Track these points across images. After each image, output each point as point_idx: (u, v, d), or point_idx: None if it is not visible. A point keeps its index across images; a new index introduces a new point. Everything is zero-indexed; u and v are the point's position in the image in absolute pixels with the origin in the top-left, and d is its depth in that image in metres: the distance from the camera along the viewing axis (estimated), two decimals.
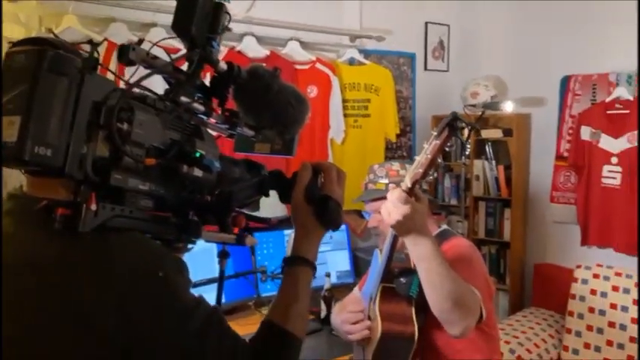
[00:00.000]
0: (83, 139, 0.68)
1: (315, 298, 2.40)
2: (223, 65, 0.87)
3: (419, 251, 1.38)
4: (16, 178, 0.81)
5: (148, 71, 0.78)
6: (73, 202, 0.69)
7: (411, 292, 1.50)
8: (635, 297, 2.73)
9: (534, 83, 3.46)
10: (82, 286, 0.71)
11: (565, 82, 3.27)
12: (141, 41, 0.91)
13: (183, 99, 0.82)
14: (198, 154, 0.79)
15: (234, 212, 0.89)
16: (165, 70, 0.81)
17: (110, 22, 2.48)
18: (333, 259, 2.83)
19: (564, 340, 2.90)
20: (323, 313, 2.45)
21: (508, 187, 3.41)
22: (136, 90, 0.76)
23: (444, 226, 1.84)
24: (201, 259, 2.41)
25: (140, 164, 0.73)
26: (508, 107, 3.28)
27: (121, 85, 0.77)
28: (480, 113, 3.25)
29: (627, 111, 2.95)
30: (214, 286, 1.13)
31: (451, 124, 1.29)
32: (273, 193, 1.01)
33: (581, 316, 2.87)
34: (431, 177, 1.37)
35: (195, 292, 0.80)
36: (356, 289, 2.08)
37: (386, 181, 1.75)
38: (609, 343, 2.75)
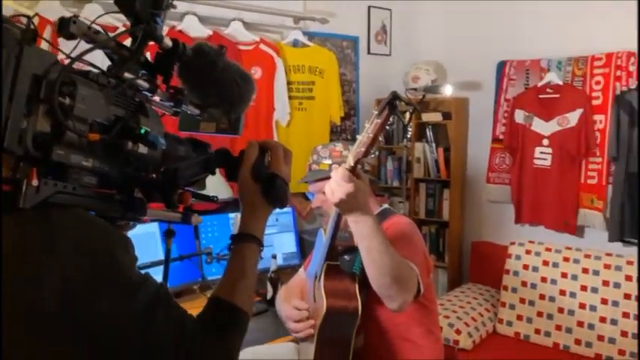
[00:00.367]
0: (23, 113, 0.66)
1: (261, 279, 2.41)
2: (168, 42, 0.86)
3: (361, 229, 1.41)
4: None
5: (89, 46, 0.76)
6: (12, 178, 0.68)
7: (355, 269, 1.54)
8: (564, 270, 2.90)
9: (472, 68, 3.57)
10: (25, 264, 0.70)
11: (501, 67, 3.40)
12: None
13: (127, 75, 0.80)
14: (143, 131, 0.78)
15: (180, 190, 0.89)
16: (107, 45, 0.80)
17: None
18: (279, 241, 2.85)
19: (499, 313, 3.05)
20: (269, 295, 2.47)
21: (447, 168, 3.54)
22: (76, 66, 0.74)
23: (385, 206, 1.89)
24: (145, 242, 2.39)
25: (83, 140, 0.72)
26: (447, 91, 3.38)
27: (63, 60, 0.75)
28: (421, 97, 3.34)
29: (557, 95, 3.11)
30: (158, 269, 1.12)
31: (391, 103, 1.33)
32: (217, 177, 1.01)
33: (514, 290, 3.02)
34: (373, 155, 1.40)
35: None
36: (301, 269, 2.11)
37: (329, 161, 1.77)
38: (540, 314, 2.92)
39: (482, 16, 3.53)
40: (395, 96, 1.30)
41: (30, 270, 0.70)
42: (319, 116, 3.27)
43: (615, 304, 2.71)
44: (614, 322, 2.70)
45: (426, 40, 3.85)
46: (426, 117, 3.55)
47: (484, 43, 3.51)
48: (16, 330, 0.70)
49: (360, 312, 1.56)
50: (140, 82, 0.84)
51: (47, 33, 2.19)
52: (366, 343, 1.71)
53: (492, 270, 3.21)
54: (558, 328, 2.85)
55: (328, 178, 1.44)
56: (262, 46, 3.02)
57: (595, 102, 2.99)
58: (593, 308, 2.77)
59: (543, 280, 2.95)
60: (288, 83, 3.12)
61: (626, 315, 2.67)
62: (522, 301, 2.98)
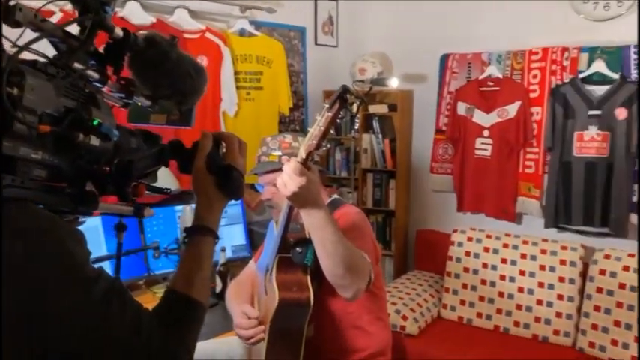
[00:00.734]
0: None
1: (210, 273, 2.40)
2: (119, 32, 0.84)
3: (313, 221, 1.42)
4: None
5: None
6: None
7: (307, 261, 1.56)
8: (504, 256, 3.02)
9: (417, 61, 3.65)
10: None
11: (444, 60, 3.48)
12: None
13: (77, 65, 0.78)
14: (96, 122, 0.76)
15: (134, 182, 0.87)
16: (55, 34, 0.77)
17: None
18: (228, 233, 2.82)
19: (443, 298, 3.16)
20: (218, 288, 2.45)
21: (393, 159, 3.61)
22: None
23: (335, 196, 1.91)
24: (88, 237, 2.31)
25: (33, 131, 0.69)
26: (393, 83, 3.44)
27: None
28: (368, 89, 3.38)
29: (497, 88, 3.23)
30: (104, 265, 1.10)
31: (342, 96, 1.35)
32: (162, 169, 0.99)
33: (457, 276, 3.13)
34: (324, 148, 1.42)
35: None
36: (251, 262, 2.11)
37: (279, 153, 1.77)
38: (481, 298, 3.04)
39: (428, 9, 3.60)
40: (346, 89, 1.31)
41: None
42: (267, 107, 3.26)
43: (551, 286, 2.86)
44: (549, 304, 2.85)
45: (372, 32, 3.90)
46: (373, 109, 3.60)
47: (429, 36, 3.59)
48: None
49: (312, 303, 1.57)
50: (90, 72, 0.81)
51: None
52: (316, 332, 1.74)
53: (436, 257, 3.31)
54: (499, 311, 2.98)
55: (278, 170, 1.44)
56: (208, 35, 2.97)
57: (532, 95, 3.12)
58: (530, 291, 2.91)
59: (484, 265, 3.07)
60: (236, 73, 3.09)
61: (560, 297, 2.83)
62: (465, 286, 3.10)
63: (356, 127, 3.57)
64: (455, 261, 3.16)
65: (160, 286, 2.50)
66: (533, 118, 3.13)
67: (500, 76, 3.23)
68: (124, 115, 1.06)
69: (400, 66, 3.65)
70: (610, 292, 2.66)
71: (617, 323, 2.61)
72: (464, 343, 2.83)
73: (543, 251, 2.94)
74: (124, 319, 0.76)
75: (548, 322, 2.84)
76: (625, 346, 2.56)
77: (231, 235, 2.84)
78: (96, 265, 0.78)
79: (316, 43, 3.71)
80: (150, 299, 2.29)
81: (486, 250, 3.09)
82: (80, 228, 0.87)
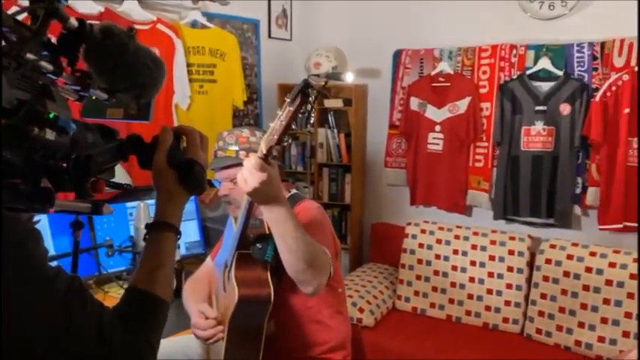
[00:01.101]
0: None
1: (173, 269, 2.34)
2: (74, 22, 0.81)
3: (274, 216, 1.41)
4: None
5: None
6: None
7: (267, 257, 1.54)
8: (455, 247, 3.10)
9: (371, 56, 3.68)
10: None
11: (397, 55, 3.53)
12: None
13: (30, 56, 0.74)
14: (52, 115, 0.73)
15: (92, 178, 0.84)
16: (5, 24, 0.73)
17: None
18: (182, 229, 2.76)
19: (398, 290, 3.22)
20: (173, 285, 2.40)
21: (348, 153, 3.64)
22: None
23: (294, 191, 1.91)
24: None
25: None
26: (348, 78, 3.46)
27: None
28: (324, 83, 3.39)
29: (449, 84, 3.30)
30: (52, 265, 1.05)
31: (304, 91, 1.34)
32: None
33: (411, 268, 3.19)
34: (285, 143, 1.41)
35: None
36: (208, 259, 2.08)
37: (236, 148, 1.74)
38: (434, 289, 3.11)
39: (382, 4, 3.63)
40: (307, 84, 1.31)
41: None
42: (221, 100, 3.21)
43: (500, 276, 2.96)
44: (499, 293, 2.95)
45: (326, 26, 3.90)
46: (328, 103, 3.62)
47: (382, 31, 3.63)
48: None
49: (272, 299, 1.56)
50: (43, 64, 0.78)
51: None
52: (277, 328, 1.74)
53: (391, 249, 3.37)
54: (451, 301, 3.06)
55: (237, 165, 1.42)
56: (160, 26, 2.89)
57: (482, 90, 3.21)
58: (481, 281, 3.00)
59: (437, 257, 3.14)
60: (188, 65, 3.03)
61: (509, 286, 2.93)
62: (418, 277, 3.16)
63: (311, 122, 3.57)
64: (409, 253, 3.22)
65: (112, 285, 2.43)
66: (482, 113, 3.22)
67: (452, 72, 3.30)
68: (77, 108, 1.02)
69: (354, 61, 3.67)
70: (555, 280, 2.78)
71: (561, 310, 2.73)
72: (418, 333, 2.89)
73: (493, 242, 3.03)
74: (85, 318, 0.74)
75: (498, 310, 2.94)
76: (569, 331, 2.69)
77: (185, 232, 2.75)
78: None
79: (270, 36, 3.68)
80: (101, 298, 2.21)
81: (439, 242, 3.16)
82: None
